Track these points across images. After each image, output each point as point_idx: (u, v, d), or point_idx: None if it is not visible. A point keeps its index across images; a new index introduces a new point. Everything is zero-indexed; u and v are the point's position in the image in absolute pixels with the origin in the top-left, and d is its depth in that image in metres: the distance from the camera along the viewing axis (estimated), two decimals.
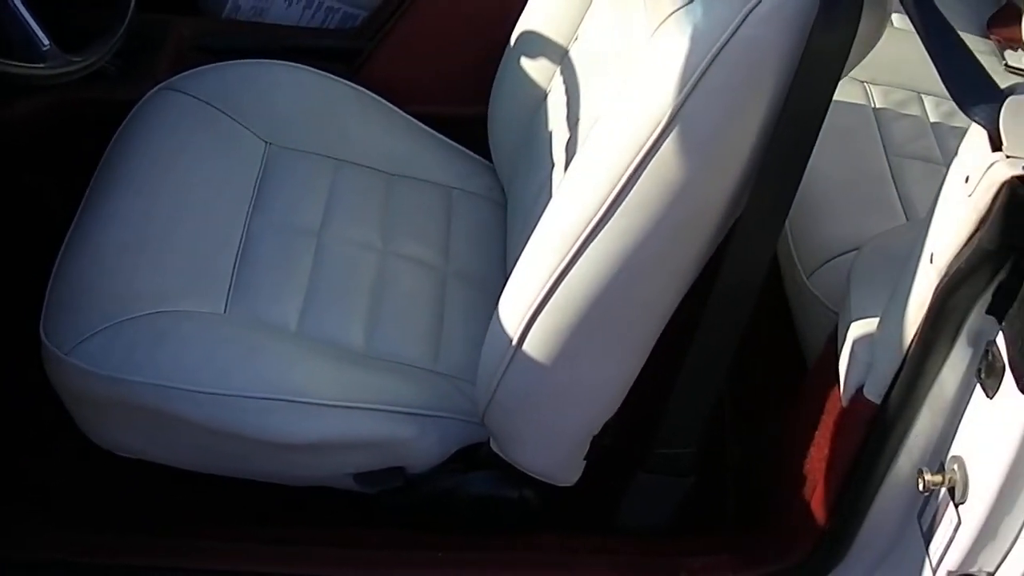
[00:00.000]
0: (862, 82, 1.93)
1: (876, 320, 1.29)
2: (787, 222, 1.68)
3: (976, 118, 1.09)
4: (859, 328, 1.31)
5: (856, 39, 1.15)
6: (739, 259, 1.26)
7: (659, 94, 1.16)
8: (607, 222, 1.21)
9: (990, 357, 1.11)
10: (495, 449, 1.45)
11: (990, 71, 2.08)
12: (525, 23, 1.69)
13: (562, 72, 1.59)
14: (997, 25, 2.19)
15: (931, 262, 1.14)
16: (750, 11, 1.12)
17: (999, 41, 2.15)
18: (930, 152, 1.82)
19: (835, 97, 1.85)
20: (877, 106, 1.90)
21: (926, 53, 2.05)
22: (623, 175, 1.19)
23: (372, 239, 1.64)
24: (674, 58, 1.15)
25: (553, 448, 1.43)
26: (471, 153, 1.83)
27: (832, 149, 1.76)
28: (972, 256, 1.08)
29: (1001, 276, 1.10)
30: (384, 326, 1.53)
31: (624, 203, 1.20)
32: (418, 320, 1.56)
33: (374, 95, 1.83)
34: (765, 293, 1.74)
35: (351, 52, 1.97)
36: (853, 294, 1.36)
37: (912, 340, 1.18)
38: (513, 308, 1.32)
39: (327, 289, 1.54)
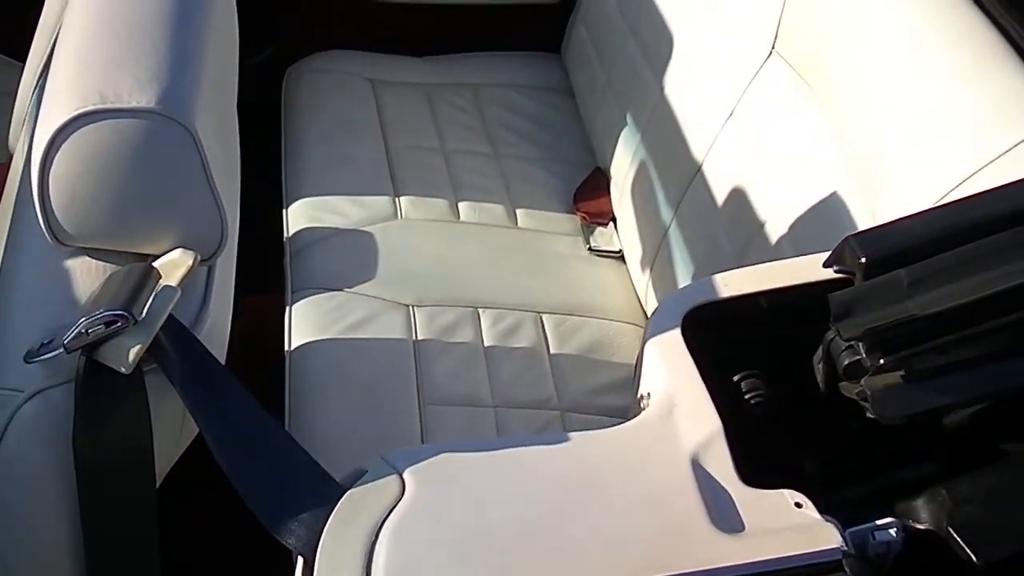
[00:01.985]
0: (407, 306, 1.66)
1: None
2: None
3: (289, 540, 0.84)
4: None
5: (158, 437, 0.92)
6: None
7: None
8: None
9: None
10: None
11: (573, 256, 1.88)
12: None
13: None
14: (583, 199, 1.97)
15: None
16: (6, 425, 0.94)
17: (585, 218, 1.93)
18: (475, 392, 1.57)
19: (366, 334, 1.63)
20: (419, 338, 1.62)
21: (488, 253, 1.83)
22: None
23: None
24: None
25: None
26: None
27: (353, 405, 1.52)
28: None
29: None
30: None
31: None
32: None
33: None
34: None
35: None
36: None
37: None
38: None
39: None
